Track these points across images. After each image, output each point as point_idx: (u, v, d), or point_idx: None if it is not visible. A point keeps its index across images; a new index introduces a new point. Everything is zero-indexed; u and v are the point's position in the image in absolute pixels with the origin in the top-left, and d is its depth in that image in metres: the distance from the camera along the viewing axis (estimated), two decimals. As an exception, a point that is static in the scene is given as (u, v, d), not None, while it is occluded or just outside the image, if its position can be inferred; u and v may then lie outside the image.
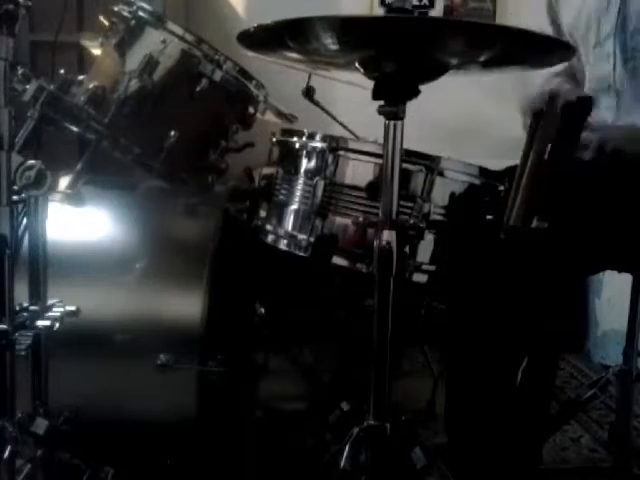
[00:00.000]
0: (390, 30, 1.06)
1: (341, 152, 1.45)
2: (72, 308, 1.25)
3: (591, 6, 1.51)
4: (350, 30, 1.08)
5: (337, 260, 1.44)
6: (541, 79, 1.55)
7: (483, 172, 1.46)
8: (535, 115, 1.33)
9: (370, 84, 1.16)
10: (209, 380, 1.46)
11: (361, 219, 1.40)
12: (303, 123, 1.83)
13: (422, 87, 1.15)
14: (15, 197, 1.13)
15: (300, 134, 1.53)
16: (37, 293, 1.23)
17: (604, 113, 1.50)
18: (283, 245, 1.51)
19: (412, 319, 1.89)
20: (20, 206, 1.18)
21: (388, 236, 1.14)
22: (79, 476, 1.29)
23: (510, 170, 1.36)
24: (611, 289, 2.68)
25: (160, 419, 1.46)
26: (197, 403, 1.44)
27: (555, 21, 1.63)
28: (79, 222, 1.55)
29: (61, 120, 1.47)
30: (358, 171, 1.44)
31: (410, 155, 1.39)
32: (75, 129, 1.49)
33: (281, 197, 1.54)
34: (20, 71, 1.43)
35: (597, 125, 1.42)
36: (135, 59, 1.52)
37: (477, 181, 1.45)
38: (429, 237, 1.41)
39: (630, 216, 1.36)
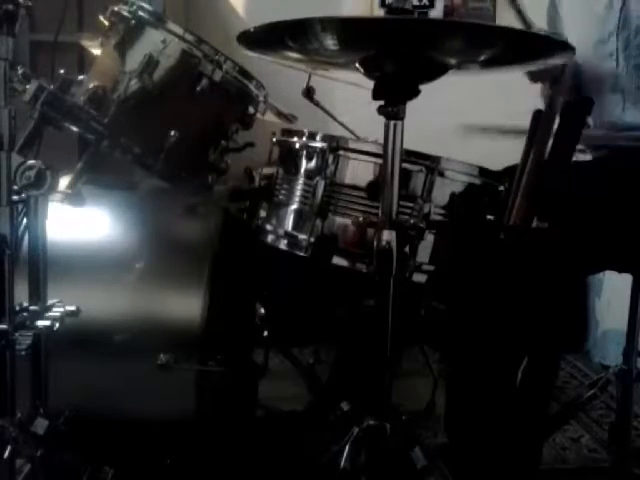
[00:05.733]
0: (390, 30, 1.06)
1: (341, 152, 1.45)
2: (72, 308, 1.25)
3: (593, 4, 1.51)
4: (350, 30, 1.08)
5: (337, 260, 1.44)
6: None
7: (483, 172, 1.46)
8: (535, 115, 1.33)
9: (370, 84, 1.16)
10: (209, 380, 1.46)
11: (361, 219, 1.40)
12: (303, 123, 1.83)
13: (422, 87, 1.15)
14: (15, 197, 1.13)
15: (300, 134, 1.53)
16: (37, 293, 1.23)
17: (609, 111, 1.50)
18: (283, 245, 1.51)
19: (412, 319, 1.88)
20: (20, 206, 1.18)
21: (388, 236, 1.14)
22: (79, 476, 1.29)
23: (510, 170, 1.36)
24: (611, 289, 2.68)
25: (160, 419, 1.46)
26: (197, 403, 1.44)
27: (554, 20, 1.63)
28: (79, 222, 1.56)
29: (61, 120, 1.47)
30: (358, 171, 1.44)
31: (410, 155, 1.39)
32: (75, 129, 1.49)
33: (281, 197, 1.54)
34: (20, 71, 1.43)
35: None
36: (135, 59, 1.52)
37: (477, 181, 1.45)
38: (429, 237, 1.41)
39: (630, 216, 1.36)
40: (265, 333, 1.95)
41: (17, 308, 1.15)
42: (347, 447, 1.19)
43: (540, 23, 1.63)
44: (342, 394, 1.63)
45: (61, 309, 1.23)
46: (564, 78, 1.37)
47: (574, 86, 1.57)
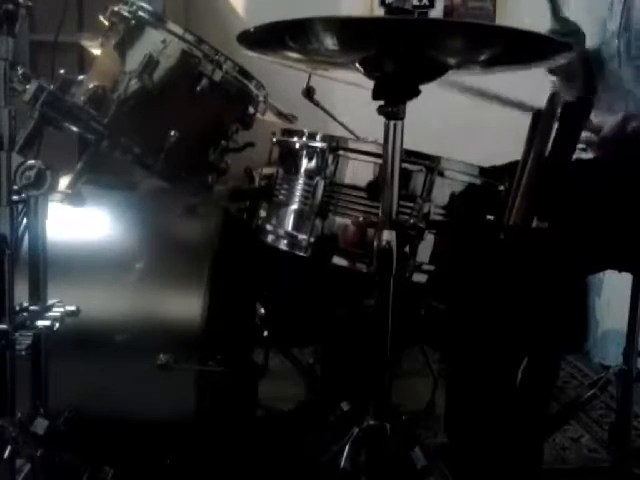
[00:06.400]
0: (390, 30, 1.06)
1: (341, 152, 1.45)
2: (72, 308, 1.25)
3: (596, 5, 1.51)
4: (350, 30, 1.08)
5: (337, 260, 1.44)
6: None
7: (483, 172, 1.46)
8: (535, 115, 1.33)
9: (370, 84, 1.16)
10: (209, 380, 1.46)
11: (361, 219, 1.40)
12: (303, 123, 1.83)
13: (422, 87, 1.15)
14: (15, 197, 1.13)
15: (300, 134, 1.53)
16: (37, 293, 1.23)
17: (612, 113, 1.50)
18: (283, 245, 1.51)
19: (412, 319, 1.89)
20: (20, 206, 1.18)
21: (388, 236, 1.14)
22: (79, 476, 1.29)
23: (512, 166, 1.36)
24: (611, 289, 2.68)
25: (160, 419, 1.46)
26: (197, 403, 1.44)
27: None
28: (79, 222, 1.56)
29: (61, 120, 1.47)
30: (358, 171, 1.44)
31: (410, 155, 1.39)
32: (75, 129, 1.49)
33: (281, 197, 1.54)
34: (20, 71, 1.43)
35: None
36: (135, 59, 1.52)
37: (477, 181, 1.45)
38: (429, 237, 1.41)
39: (630, 216, 1.36)
40: (265, 333, 1.95)
41: (17, 308, 1.15)
42: (347, 447, 1.19)
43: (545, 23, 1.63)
44: (342, 394, 1.63)
45: (61, 309, 1.23)
46: (576, 74, 1.37)
47: (585, 79, 1.57)
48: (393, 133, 1.14)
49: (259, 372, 1.86)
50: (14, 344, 1.12)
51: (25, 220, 1.21)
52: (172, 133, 1.53)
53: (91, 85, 1.52)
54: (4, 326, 1.10)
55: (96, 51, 1.72)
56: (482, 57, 1.18)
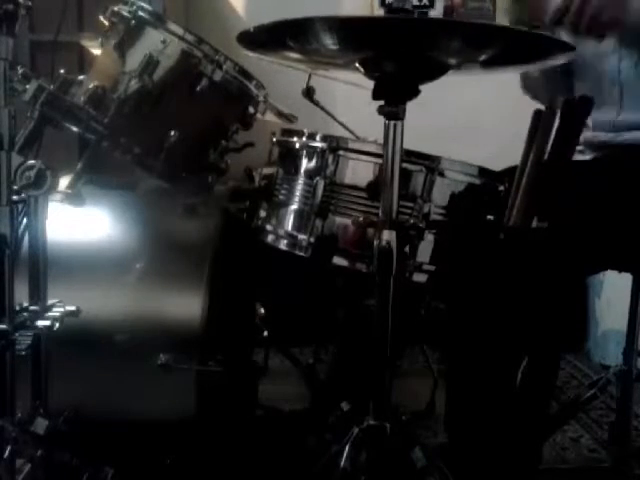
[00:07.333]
0: (390, 30, 1.06)
1: (341, 152, 1.45)
2: (72, 308, 1.25)
3: None
4: (350, 30, 1.08)
5: (337, 260, 1.44)
6: None
7: (483, 172, 1.45)
8: (535, 115, 1.33)
9: (370, 84, 1.16)
10: (209, 380, 1.46)
11: (361, 219, 1.40)
12: (303, 123, 1.83)
13: (423, 87, 1.15)
14: (15, 197, 1.13)
15: (300, 134, 1.53)
16: (37, 293, 1.23)
17: (607, 107, 1.50)
18: (283, 245, 1.51)
19: (412, 319, 1.88)
20: (20, 206, 1.18)
21: (388, 236, 1.14)
22: (79, 476, 1.29)
23: (510, 171, 1.36)
24: (611, 289, 2.68)
25: (160, 419, 1.47)
26: (197, 403, 1.44)
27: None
28: (79, 222, 1.56)
29: (61, 120, 1.47)
30: (358, 171, 1.44)
31: (410, 155, 1.39)
32: (75, 129, 1.49)
33: (281, 197, 1.54)
34: (20, 71, 1.43)
35: None
36: (135, 59, 1.52)
37: (477, 181, 1.45)
38: (429, 237, 1.41)
39: (630, 216, 1.36)
40: (265, 333, 1.95)
41: (17, 308, 1.15)
42: (347, 447, 1.19)
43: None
44: (342, 394, 1.63)
45: (61, 309, 1.23)
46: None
47: (567, 85, 1.58)
48: (393, 133, 1.15)
49: (259, 372, 1.86)
50: (14, 344, 1.12)
51: (25, 220, 1.21)
52: (172, 133, 1.53)
53: (91, 85, 1.52)
54: (4, 326, 1.10)
55: (96, 51, 1.72)
56: (482, 57, 1.18)
